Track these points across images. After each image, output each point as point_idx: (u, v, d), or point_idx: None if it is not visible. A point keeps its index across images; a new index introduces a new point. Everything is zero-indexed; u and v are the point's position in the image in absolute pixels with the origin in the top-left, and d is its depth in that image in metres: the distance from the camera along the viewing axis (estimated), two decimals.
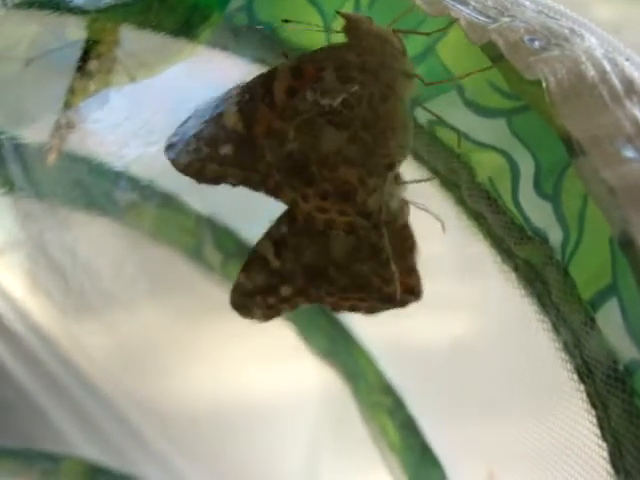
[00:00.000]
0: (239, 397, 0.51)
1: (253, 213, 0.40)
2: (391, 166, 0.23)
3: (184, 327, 0.51)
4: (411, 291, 0.25)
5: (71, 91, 0.35)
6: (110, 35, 0.33)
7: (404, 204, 0.24)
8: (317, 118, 0.23)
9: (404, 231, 0.24)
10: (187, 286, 0.48)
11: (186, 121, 0.24)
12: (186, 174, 0.24)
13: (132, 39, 0.32)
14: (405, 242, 0.24)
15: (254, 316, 0.25)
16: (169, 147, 0.24)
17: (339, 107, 0.23)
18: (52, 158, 0.37)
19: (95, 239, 0.49)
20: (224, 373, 0.51)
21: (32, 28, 0.31)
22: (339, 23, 0.24)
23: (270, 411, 0.49)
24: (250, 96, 0.24)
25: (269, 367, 0.48)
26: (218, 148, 0.24)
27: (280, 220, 0.24)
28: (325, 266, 0.24)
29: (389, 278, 0.24)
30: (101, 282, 0.51)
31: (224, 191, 0.35)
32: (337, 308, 0.25)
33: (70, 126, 0.36)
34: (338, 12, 0.24)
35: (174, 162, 0.24)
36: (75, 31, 0.32)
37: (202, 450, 0.53)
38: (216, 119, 0.24)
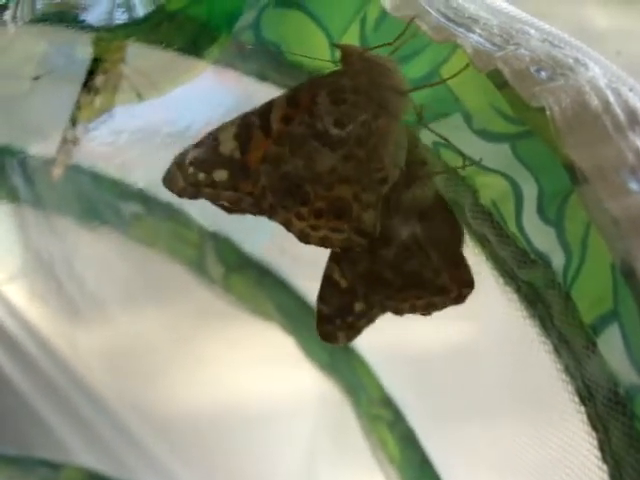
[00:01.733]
0: (238, 404, 0.51)
1: (255, 227, 0.41)
2: (384, 180, 0.24)
3: (184, 335, 0.51)
4: (462, 283, 0.25)
5: (77, 107, 0.35)
6: (116, 53, 0.34)
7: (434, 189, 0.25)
8: (312, 140, 0.24)
9: (450, 222, 0.25)
10: (188, 294, 0.48)
11: (185, 151, 0.25)
12: (181, 197, 0.25)
13: (140, 57, 0.32)
14: (452, 233, 0.25)
15: (339, 340, 0.26)
16: (167, 175, 0.25)
17: (333, 128, 0.24)
18: (58, 172, 0.37)
19: (97, 251, 0.49)
20: (223, 380, 0.51)
21: (41, 46, 0.31)
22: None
23: (269, 418, 0.49)
24: (247, 125, 0.25)
25: (268, 375, 0.49)
26: (213, 174, 0.25)
27: None
28: (380, 271, 0.25)
29: (436, 268, 0.25)
30: (101, 291, 0.51)
31: None
32: (399, 311, 0.26)
33: (76, 141, 0.36)
34: (334, 44, 0.25)
35: (171, 188, 0.25)
36: (84, 48, 0.32)
37: (201, 456, 0.53)
38: (213, 147, 0.25)
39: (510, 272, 0.25)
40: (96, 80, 0.35)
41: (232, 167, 0.25)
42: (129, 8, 0.28)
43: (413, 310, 0.26)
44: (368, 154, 0.24)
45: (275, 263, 0.43)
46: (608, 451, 0.21)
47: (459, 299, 0.25)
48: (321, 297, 0.26)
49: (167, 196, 0.43)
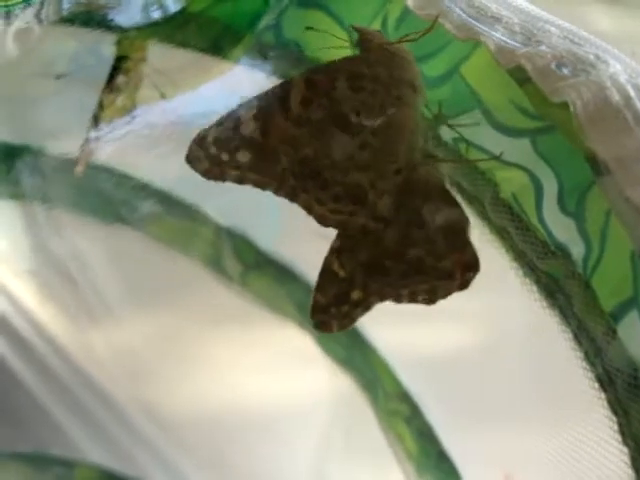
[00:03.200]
0: (254, 403, 0.51)
1: (272, 225, 0.41)
2: (398, 171, 0.25)
3: (199, 334, 0.51)
4: (467, 267, 0.25)
5: (100, 106, 0.36)
6: (138, 52, 0.34)
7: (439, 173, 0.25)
8: (330, 126, 0.25)
9: (455, 206, 0.25)
10: (202, 293, 0.48)
11: (207, 129, 0.25)
12: (207, 178, 0.25)
13: (163, 57, 0.33)
14: (457, 219, 0.25)
15: (333, 329, 0.26)
16: (190, 153, 0.25)
17: (351, 115, 0.24)
18: (79, 170, 0.38)
19: (108, 249, 0.49)
20: (239, 379, 0.51)
21: (70, 45, 0.32)
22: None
23: (285, 416, 0.50)
24: (266, 106, 0.25)
25: (285, 372, 0.49)
26: (236, 155, 0.25)
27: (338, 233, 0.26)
28: (379, 258, 0.25)
29: (440, 253, 0.25)
30: (114, 291, 0.51)
31: (243, 203, 0.36)
32: (398, 299, 0.26)
33: (98, 140, 0.36)
34: (352, 26, 0.25)
35: (195, 167, 0.25)
36: (109, 47, 0.33)
37: (212, 456, 0.53)
38: (234, 127, 0.25)
39: (530, 264, 0.26)
40: (118, 79, 0.35)
41: (254, 148, 0.25)
42: (162, 6, 0.29)
43: (413, 297, 0.26)
44: (383, 145, 0.24)
45: (293, 260, 0.44)
46: (628, 434, 0.22)
47: (463, 284, 0.25)
48: (318, 287, 0.26)
49: (184, 194, 0.43)
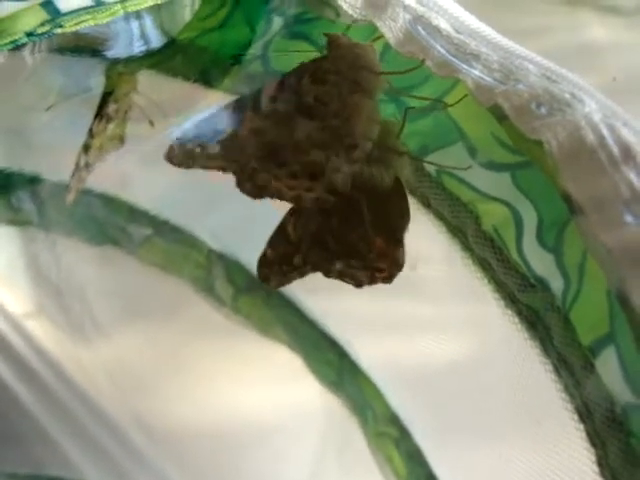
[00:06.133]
0: (244, 422, 0.51)
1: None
2: (354, 146, 0.26)
3: (191, 353, 0.52)
4: (395, 263, 0.26)
5: (90, 134, 0.36)
6: (127, 82, 0.35)
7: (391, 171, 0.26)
8: (293, 113, 0.26)
9: (396, 203, 0.26)
10: (195, 312, 0.49)
11: (186, 129, 0.27)
12: (180, 167, 0.27)
13: (153, 86, 0.33)
14: (395, 215, 0.26)
15: (271, 283, 0.28)
16: (170, 151, 0.27)
17: (313, 102, 0.26)
18: (71, 198, 0.38)
19: (102, 271, 0.50)
20: (230, 398, 0.52)
21: (59, 78, 0.32)
22: None
23: (275, 435, 0.50)
24: (242, 104, 0.27)
25: (275, 393, 0.49)
26: (207, 147, 0.27)
27: None
28: (323, 234, 0.27)
29: (372, 245, 0.26)
30: (106, 312, 0.51)
31: (235, 226, 0.36)
32: (328, 274, 0.27)
33: (89, 168, 0.37)
34: (323, 33, 0.27)
35: (170, 160, 0.27)
36: (99, 78, 0.33)
37: (208, 472, 0.53)
38: (211, 124, 0.27)
39: (511, 295, 0.26)
40: (109, 108, 0.36)
41: (224, 141, 0.26)
42: (146, 41, 0.29)
43: (341, 277, 0.27)
44: (341, 124, 0.26)
45: None
46: (606, 466, 0.22)
47: (387, 279, 0.27)
48: (270, 242, 0.28)
49: (176, 218, 0.44)
